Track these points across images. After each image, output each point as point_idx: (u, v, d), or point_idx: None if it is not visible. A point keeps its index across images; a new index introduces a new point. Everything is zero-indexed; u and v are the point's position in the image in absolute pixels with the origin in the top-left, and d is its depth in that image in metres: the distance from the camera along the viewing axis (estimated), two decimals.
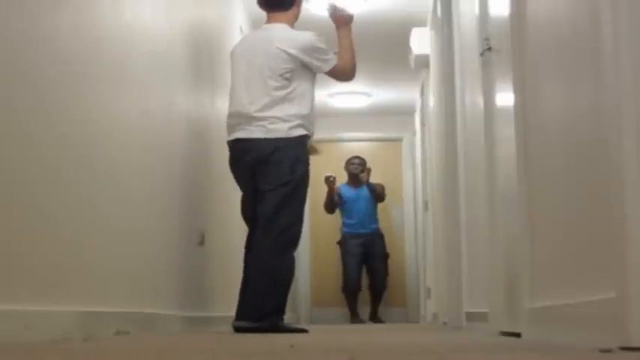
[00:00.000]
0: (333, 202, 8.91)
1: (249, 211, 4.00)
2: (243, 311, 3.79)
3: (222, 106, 4.61)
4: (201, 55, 4.58)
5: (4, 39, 2.08)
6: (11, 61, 2.11)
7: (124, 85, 3.07)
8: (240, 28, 5.90)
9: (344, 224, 9.02)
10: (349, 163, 9.05)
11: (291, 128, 3.89)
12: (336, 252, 9.31)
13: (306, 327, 4.35)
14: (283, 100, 3.91)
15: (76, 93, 2.57)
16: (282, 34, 4.03)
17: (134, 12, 3.25)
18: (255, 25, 6.30)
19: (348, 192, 8.96)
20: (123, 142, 3.04)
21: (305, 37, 4.02)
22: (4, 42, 2.08)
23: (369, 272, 8.94)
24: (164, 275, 3.61)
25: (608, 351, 1.62)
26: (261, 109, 3.90)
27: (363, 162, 9.04)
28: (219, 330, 4.40)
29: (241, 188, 4.05)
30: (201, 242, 4.33)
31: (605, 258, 1.79)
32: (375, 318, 8.93)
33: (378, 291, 8.93)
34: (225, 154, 4.11)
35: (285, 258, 3.86)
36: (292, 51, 3.95)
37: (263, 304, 3.76)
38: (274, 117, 3.89)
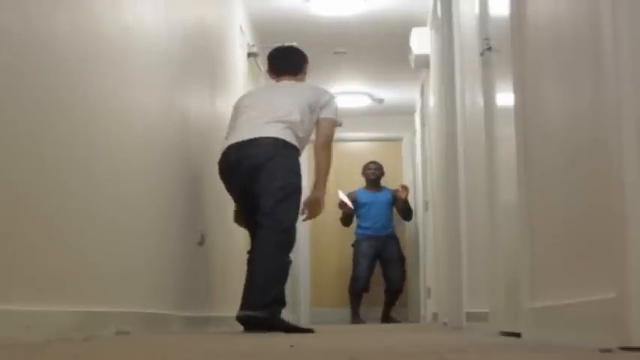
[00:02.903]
0: (348, 218, 9.10)
1: (246, 217, 4.17)
2: (245, 302, 3.88)
3: (221, 105, 4.62)
4: (201, 55, 4.58)
5: (3, 39, 2.08)
6: (10, 60, 2.11)
7: (123, 85, 3.07)
8: (240, 27, 5.90)
9: (359, 226, 9.04)
10: (366, 168, 9.21)
11: (286, 135, 4.06)
12: (335, 252, 9.32)
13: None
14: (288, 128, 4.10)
15: (75, 93, 2.57)
16: (303, 85, 4.33)
17: (134, 12, 3.25)
18: (254, 25, 6.31)
19: (365, 196, 9.04)
20: (122, 142, 3.04)
21: (328, 95, 4.31)
22: (3, 42, 2.08)
23: (384, 275, 8.94)
24: (164, 275, 3.61)
25: (608, 351, 1.62)
26: (268, 122, 4.07)
27: (379, 167, 9.18)
28: (219, 330, 4.40)
29: (234, 196, 4.18)
30: (201, 242, 4.34)
31: (605, 258, 1.79)
32: (388, 319, 8.94)
33: (392, 293, 8.93)
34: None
35: (283, 257, 3.98)
36: (313, 100, 4.21)
37: (265, 294, 3.86)
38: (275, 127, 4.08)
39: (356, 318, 8.83)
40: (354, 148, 9.72)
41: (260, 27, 6.46)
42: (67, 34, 2.51)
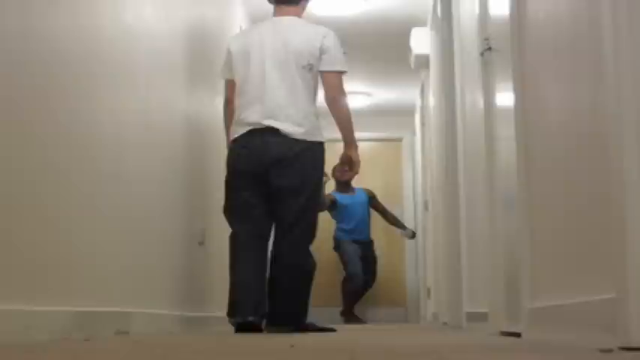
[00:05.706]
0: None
1: (248, 210, 3.82)
2: (271, 314, 3.78)
3: (221, 105, 4.61)
4: (201, 55, 4.58)
5: (5, 39, 2.08)
6: (12, 61, 2.12)
7: (124, 85, 3.07)
8: (240, 27, 5.90)
9: (341, 229, 8.94)
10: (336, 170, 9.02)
11: (307, 130, 3.84)
12: (332, 251, 9.34)
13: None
14: (309, 99, 3.89)
15: (76, 93, 2.57)
16: (303, 26, 3.95)
17: (134, 12, 3.25)
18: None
19: (341, 198, 8.91)
20: (123, 142, 3.04)
21: (326, 39, 3.93)
22: (5, 42, 2.08)
23: (365, 275, 8.97)
24: (164, 275, 3.61)
25: (608, 351, 1.62)
26: (297, 111, 3.83)
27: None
28: (219, 330, 4.40)
29: (244, 188, 3.81)
30: (201, 242, 4.33)
31: (605, 258, 1.79)
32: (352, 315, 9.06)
33: (365, 291, 9.03)
34: (224, 153, 4.10)
35: (306, 262, 3.88)
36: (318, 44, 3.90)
37: (292, 306, 3.80)
38: (306, 119, 3.85)
39: (352, 317, 8.85)
40: None
41: None
42: (67, 34, 2.51)
